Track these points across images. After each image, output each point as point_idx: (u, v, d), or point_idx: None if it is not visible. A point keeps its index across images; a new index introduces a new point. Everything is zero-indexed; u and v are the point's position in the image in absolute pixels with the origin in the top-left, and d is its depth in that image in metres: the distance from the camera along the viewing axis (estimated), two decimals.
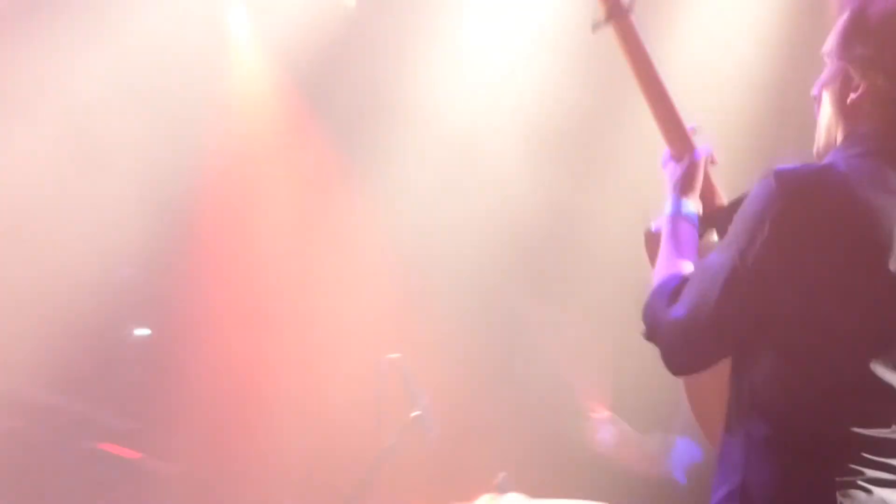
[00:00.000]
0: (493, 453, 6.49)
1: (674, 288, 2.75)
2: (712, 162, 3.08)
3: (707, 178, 3.06)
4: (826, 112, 2.78)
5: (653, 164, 3.28)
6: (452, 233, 7.42)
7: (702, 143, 3.08)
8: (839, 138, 2.74)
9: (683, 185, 3.03)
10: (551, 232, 7.62)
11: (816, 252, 2.54)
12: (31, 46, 6.92)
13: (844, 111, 2.72)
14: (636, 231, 3.13)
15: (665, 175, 3.12)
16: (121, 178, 7.03)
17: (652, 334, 2.83)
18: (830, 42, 2.77)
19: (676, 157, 3.10)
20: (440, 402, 5.84)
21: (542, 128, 7.65)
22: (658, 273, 2.92)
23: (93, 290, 6.89)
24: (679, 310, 2.69)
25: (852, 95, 2.68)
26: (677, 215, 2.98)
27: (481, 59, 7.64)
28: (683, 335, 2.71)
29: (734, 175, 3.20)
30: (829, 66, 2.77)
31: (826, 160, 2.70)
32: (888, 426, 2.55)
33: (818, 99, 2.81)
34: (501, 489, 4.71)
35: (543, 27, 7.56)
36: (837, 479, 2.50)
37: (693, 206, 3.00)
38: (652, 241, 3.07)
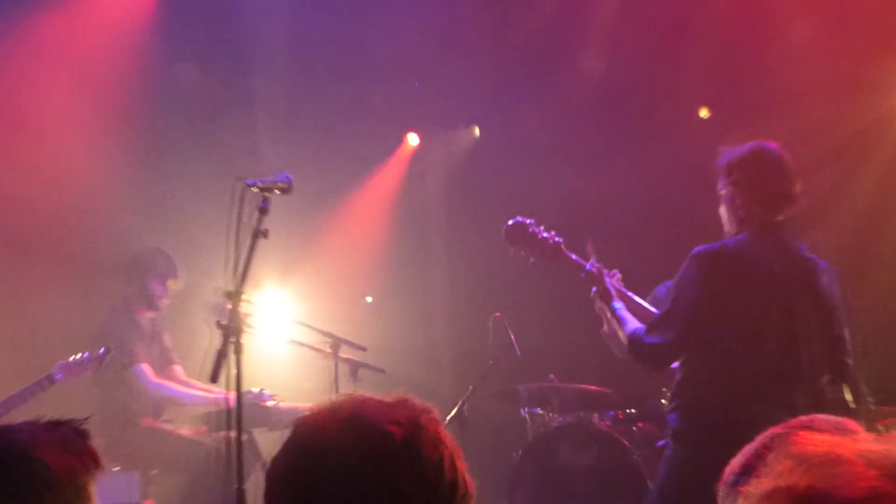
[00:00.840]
0: None
1: (642, 332, 5.19)
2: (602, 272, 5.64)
3: (604, 283, 5.58)
4: (723, 211, 5.27)
5: None
6: None
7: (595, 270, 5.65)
8: (732, 224, 5.20)
9: (607, 296, 5.53)
10: None
11: (719, 287, 5.02)
12: None
13: (731, 210, 5.20)
14: None
15: (597, 299, 5.57)
16: None
17: (638, 358, 5.26)
18: (720, 180, 5.29)
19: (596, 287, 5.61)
20: None
21: None
22: (625, 330, 5.32)
23: None
24: (654, 338, 5.14)
25: (735, 201, 5.16)
26: (614, 310, 5.45)
27: None
28: (661, 350, 5.16)
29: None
30: (721, 188, 5.24)
31: (725, 240, 5.18)
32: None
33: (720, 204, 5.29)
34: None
35: None
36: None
37: (617, 303, 5.49)
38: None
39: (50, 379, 7.39)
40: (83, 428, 2.46)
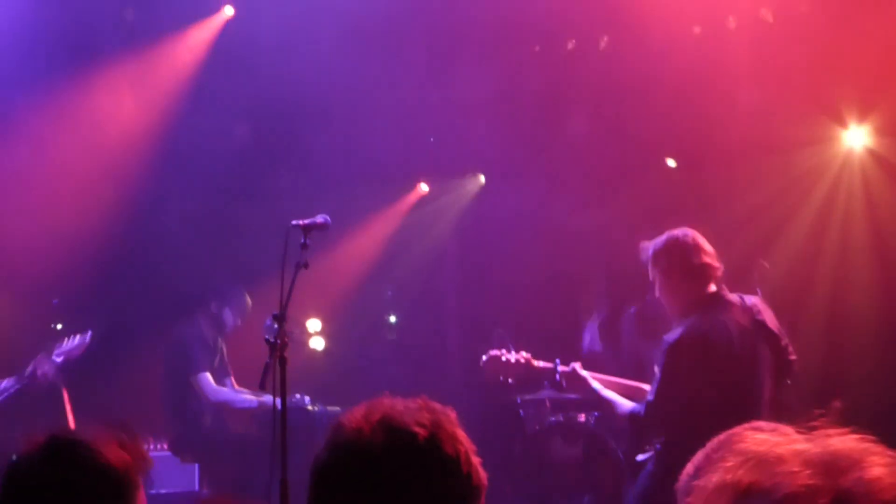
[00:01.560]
0: None
1: (640, 413, 5.21)
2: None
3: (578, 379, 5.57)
4: (661, 297, 5.37)
5: None
6: None
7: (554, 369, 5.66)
8: (675, 308, 5.30)
9: (587, 389, 5.54)
10: None
11: (697, 362, 5.08)
12: None
13: (668, 294, 5.30)
14: None
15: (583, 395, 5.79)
16: None
17: (642, 429, 5.40)
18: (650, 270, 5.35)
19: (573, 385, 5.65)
20: None
21: None
22: (620, 411, 5.42)
23: None
24: (650, 421, 5.21)
25: (667, 285, 5.28)
26: (598, 397, 5.52)
27: None
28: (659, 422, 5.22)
29: None
30: (651, 277, 5.36)
31: (688, 321, 5.18)
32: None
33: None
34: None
35: None
36: None
37: (598, 385, 5.52)
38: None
39: (33, 373, 7.22)
40: (134, 430, 2.56)
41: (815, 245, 9.39)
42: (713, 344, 5.12)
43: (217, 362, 8.60)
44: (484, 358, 5.91)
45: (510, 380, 5.92)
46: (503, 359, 5.85)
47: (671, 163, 10.39)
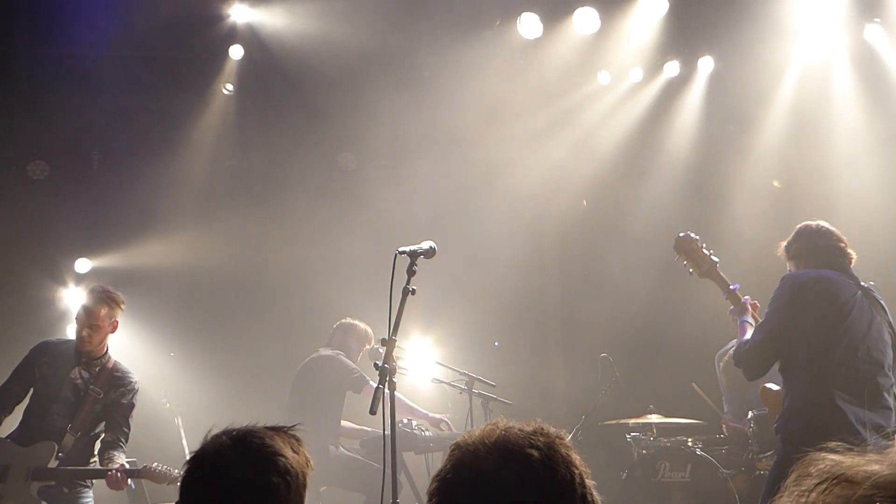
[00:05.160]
0: None
1: (745, 341, 5.56)
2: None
3: (740, 303, 5.86)
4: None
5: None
6: None
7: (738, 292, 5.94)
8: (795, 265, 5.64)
9: (742, 311, 5.83)
10: None
11: (803, 305, 5.31)
12: None
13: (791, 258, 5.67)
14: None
15: (734, 314, 5.89)
16: None
17: (737, 362, 5.55)
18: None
19: (734, 305, 5.91)
20: None
21: None
22: (739, 339, 5.65)
23: None
24: (747, 345, 5.49)
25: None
26: (740, 322, 5.77)
27: None
28: (750, 351, 5.46)
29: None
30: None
31: (802, 270, 5.52)
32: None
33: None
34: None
35: None
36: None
37: (748, 316, 5.82)
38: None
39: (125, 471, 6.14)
40: (297, 435, 2.60)
41: None
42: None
43: None
44: (680, 234, 6.09)
45: (690, 270, 6.07)
46: (695, 245, 6.01)
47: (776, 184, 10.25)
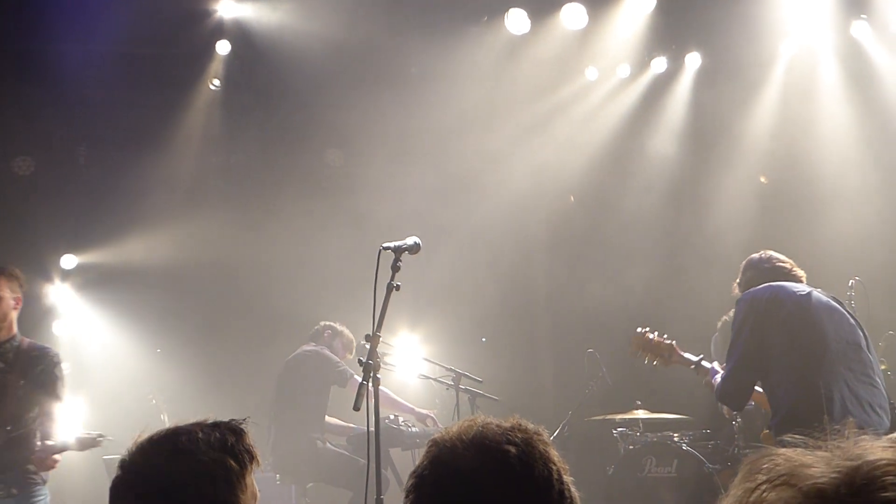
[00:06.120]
0: None
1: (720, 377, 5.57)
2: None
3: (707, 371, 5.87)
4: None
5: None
6: None
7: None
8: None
9: (713, 371, 5.79)
10: None
11: (763, 312, 5.35)
12: None
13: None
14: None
15: (710, 380, 5.81)
16: None
17: (718, 398, 5.69)
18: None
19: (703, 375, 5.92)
20: None
21: None
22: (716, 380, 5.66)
23: None
24: (721, 377, 5.50)
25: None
26: (715, 372, 5.77)
27: None
28: (728, 382, 5.46)
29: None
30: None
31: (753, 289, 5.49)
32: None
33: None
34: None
35: None
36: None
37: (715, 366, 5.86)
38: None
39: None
40: (241, 427, 2.41)
41: None
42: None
43: None
44: (636, 332, 6.20)
45: (654, 362, 6.18)
46: (648, 337, 6.13)
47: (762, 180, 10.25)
